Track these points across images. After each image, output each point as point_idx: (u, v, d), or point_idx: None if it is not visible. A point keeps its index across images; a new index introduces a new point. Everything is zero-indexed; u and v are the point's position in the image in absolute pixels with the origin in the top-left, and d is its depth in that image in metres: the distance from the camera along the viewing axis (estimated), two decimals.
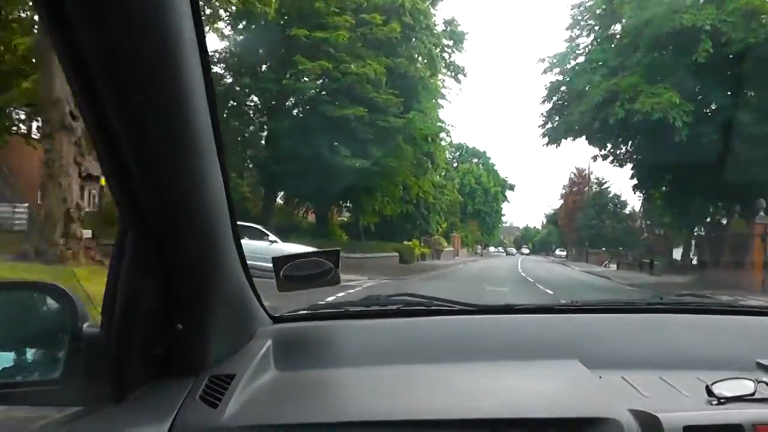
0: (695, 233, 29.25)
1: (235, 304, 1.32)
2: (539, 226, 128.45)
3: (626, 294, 18.19)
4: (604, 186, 60.20)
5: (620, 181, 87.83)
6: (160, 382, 1.15)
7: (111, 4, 0.78)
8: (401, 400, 1.20)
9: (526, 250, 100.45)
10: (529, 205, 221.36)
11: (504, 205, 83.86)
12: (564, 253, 77.04)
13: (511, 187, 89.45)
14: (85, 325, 1.11)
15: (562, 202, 74.84)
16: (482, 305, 1.69)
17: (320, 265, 1.42)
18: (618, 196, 59.59)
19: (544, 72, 25.45)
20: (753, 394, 1.12)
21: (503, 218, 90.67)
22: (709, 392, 1.14)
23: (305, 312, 1.66)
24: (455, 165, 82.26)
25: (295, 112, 25.34)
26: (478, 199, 77.81)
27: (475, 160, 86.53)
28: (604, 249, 49.37)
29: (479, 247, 77.50)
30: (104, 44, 0.81)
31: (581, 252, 58.80)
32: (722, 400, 1.12)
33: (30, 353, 1.19)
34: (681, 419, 1.07)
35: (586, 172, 64.78)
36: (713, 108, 22.04)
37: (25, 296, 1.27)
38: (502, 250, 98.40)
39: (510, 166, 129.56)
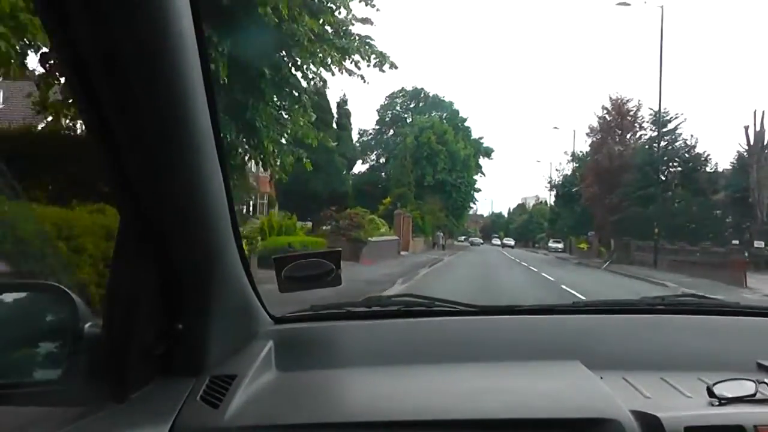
0: None
1: (236, 305, 1.35)
2: (506, 214, 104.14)
3: None
4: (671, 125, 33.06)
5: (695, 117, 58.54)
6: (162, 382, 1.17)
7: (111, 3, 0.80)
8: (402, 400, 1.22)
9: (510, 241, 74.96)
10: (494, 186, 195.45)
11: (478, 179, 58.11)
12: (560, 245, 51.99)
13: (488, 153, 63.92)
14: (86, 326, 1.12)
15: (575, 164, 47.50)
16: (484, 306, 1.72)
17: (321, 266, 1.45)
18: (691, 146, 32.92)
19: None
20: (754, 395, 1.13)
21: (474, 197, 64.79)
22: (711, 393, 1.15)
23: (306, 313, 1.68)
24: (408, 119, 56.07)
25: None
26: (442, 165, 51.80)
27: (437, 113, 60.23)
28: (737, 242, 22.36)
29: (440, 235, 50.17)
30: (104, 43, 0.83)
31: (628, 248, 31.69)
32: (723, 401, 1.13)
33: (31, 353, 1.19)
34: (682, 420, 1.09)
35: (632, 104, 37.63)
36: None
37: (25, 296, 1.26)
38: (467, 241, 72.99)
39: (483, 128, 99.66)
